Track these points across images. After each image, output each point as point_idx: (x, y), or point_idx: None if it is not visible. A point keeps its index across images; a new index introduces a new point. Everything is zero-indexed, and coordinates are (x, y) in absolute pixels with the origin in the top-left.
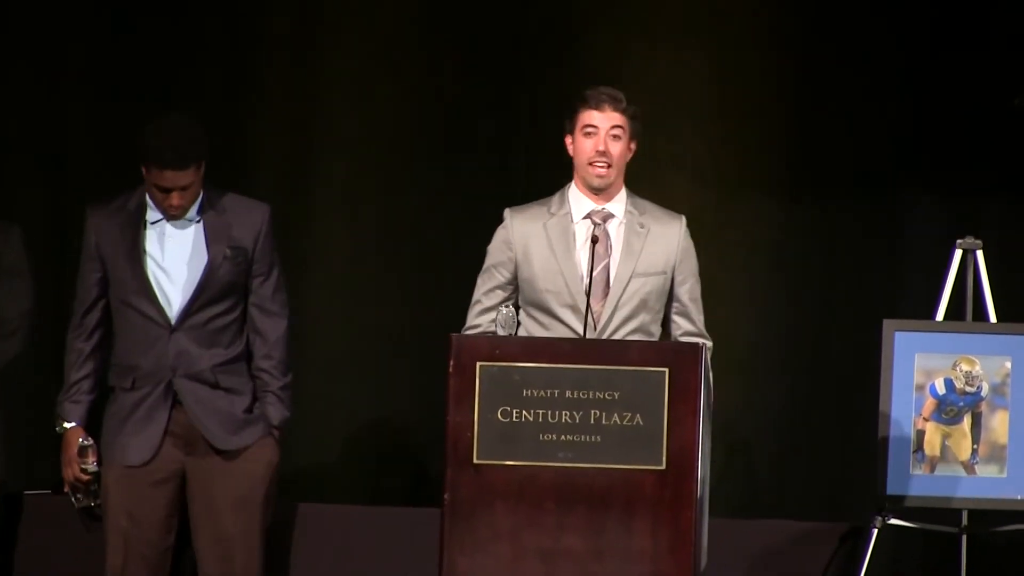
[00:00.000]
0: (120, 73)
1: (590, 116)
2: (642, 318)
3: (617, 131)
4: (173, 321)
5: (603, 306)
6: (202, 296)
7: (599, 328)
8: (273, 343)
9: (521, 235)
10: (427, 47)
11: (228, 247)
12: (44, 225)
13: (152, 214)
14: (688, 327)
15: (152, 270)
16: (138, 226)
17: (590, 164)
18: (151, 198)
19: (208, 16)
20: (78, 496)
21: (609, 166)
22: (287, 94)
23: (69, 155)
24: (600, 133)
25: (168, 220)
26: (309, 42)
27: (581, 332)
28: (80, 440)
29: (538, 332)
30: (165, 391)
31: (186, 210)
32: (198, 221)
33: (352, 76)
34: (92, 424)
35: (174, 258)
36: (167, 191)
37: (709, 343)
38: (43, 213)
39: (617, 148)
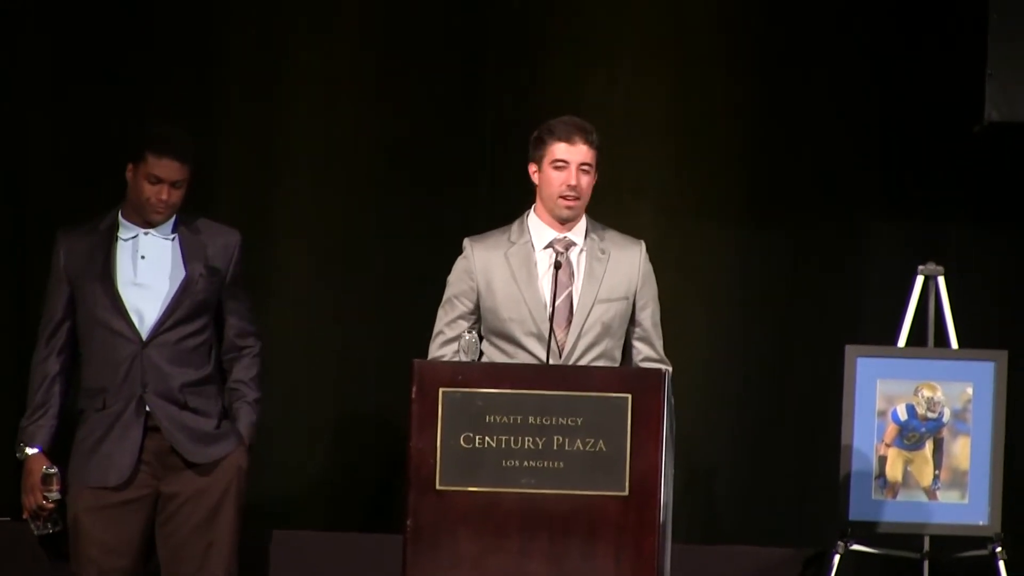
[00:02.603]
0: (83, 92)
1: (561, 150)
2: (605, 344)
3: (586, 166)
4: (145, 336)
5: (567, 333)
6: (176, 312)
7: (563, 355)
8: (248, 364)
9: (483, 264)
10: (388, 72)
11: (204, 266)
12: (3, 246)
13: (125, 231)
14: (648, 352)
15: (123, 286)
16: (110, 243)
17: (561, 197)
18: (136, 197)
19: (172, 39)
20: (39, 523)
21: (578, 199)
22: (249, 118)
23: (30, 175)
24: (571, 167)
25: (144, 229)
26: (271, 67)
27: (545, 360)
28: (44, 468)
29: (502, 361)
30: (137, 408)
31: (168, 213)
32: (173, 239)
33: (313, 101)
34: (55, 450)
35: (149, 273)
36: (159, 182)
37: (669, 369)
38: (2, 234)
39: (586, 181)
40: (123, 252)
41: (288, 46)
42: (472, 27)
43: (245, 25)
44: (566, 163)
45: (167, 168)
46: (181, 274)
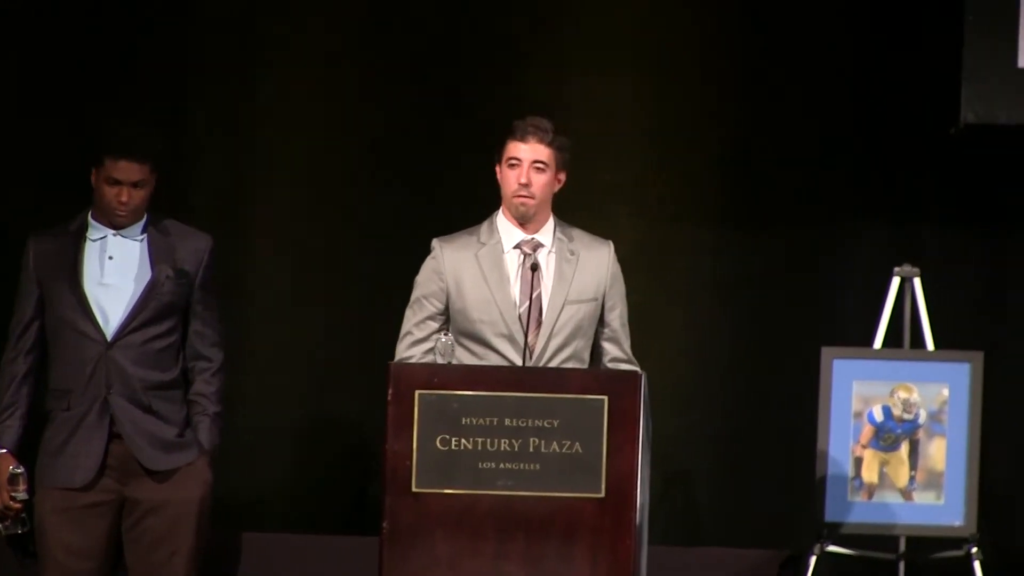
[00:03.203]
0: (52, 99)
1: (515, 148)
2: (576, 345)
3: (540, 164)
4: (110, 337)
5: (537, 335)
6: (142, 313)
7: (534, 357)
8: (213, 372)
9: (452, 265)
10: (363, 78)
11: (172, 268)
12: None
13: (94, 232)
14: (617, 353)
15: (90, 287)
16: (79, 244)
17: (514, 196)
18: (100, 201)
19: (144, 46)
20: (6, 523)
21: (531, 198)
22: (223, 125)
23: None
24: (523, 165)
25: (113, 230)
26: (249, 68)
27: (515, 361)
28: (11, 468)
29: (471, 362)
30: (101, 410)
31: (133, 215)
32: (142, 240)
33: (292, 103)
34: (22, 451)
35: (115, 274)
36: (118, 184)
37: (640, 371)
38: None
39: (541, 180)
40: (91, 253)
41: (266, 47)
42: (452, 30)
43: (223, 26)
44: (519, 161)
45: (124, 170)
46: (147, 275)
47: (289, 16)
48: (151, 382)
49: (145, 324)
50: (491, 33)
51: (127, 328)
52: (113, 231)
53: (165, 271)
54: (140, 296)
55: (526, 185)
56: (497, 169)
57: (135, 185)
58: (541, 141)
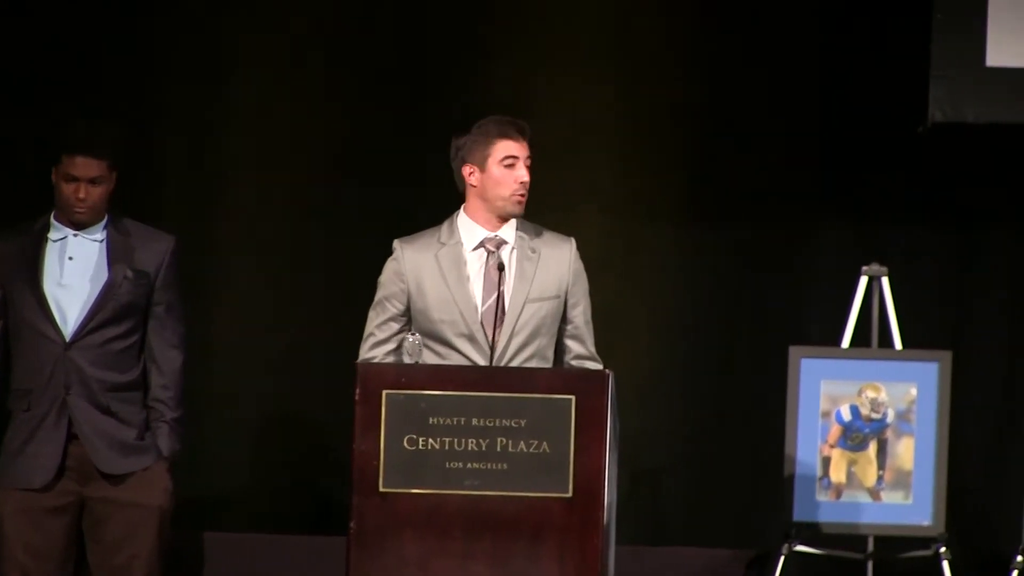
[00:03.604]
0: (15, 99)
1: (509, 147)
2: (538, 343)
3: (529, 160)
4: (68, 338)
5: (499, 333)
6: (99, 314)
7: (496, 356)
8: (171, 375)
9: (413, 266)
10: (329, 76)
11: (130, 268)
12: None
13: (55, 232)
14: (580, 350)
15: (50, 287)
16: (40, 244)
17: (513, 195)
18: (59, 199)
19: (110, 44)
20: None
21: (526, 194)
22: (190, 125)
23: None
24: (520, 162)
25: (74, 231)
26: (213, 68)
27: (477, 361)
28: None
29: (434, 362)
30: (60, 411)
31: (92, 213)
32: (101, 241)
33: (256, 104)
34: None
35: (74, 275)
36: (75, 181)
37: (604, 369)
38: None
39: (529, 177)
40: (51, 253)
41: (232, 47)
42: (418, 29)
43: (189, 26)
44: (516, 159)
45: (82, 166)
46: (105, 276)
47: (256, 16)
48: (110, 383)
49: (103, 325)
50: (457, 33)
51: (85, 329)
52: (74, 232)
53: (123, 272)
54: (97, 297)
55: (525, 183)
56: (467, 170)
57: (92, 182)
58: (527, 138)
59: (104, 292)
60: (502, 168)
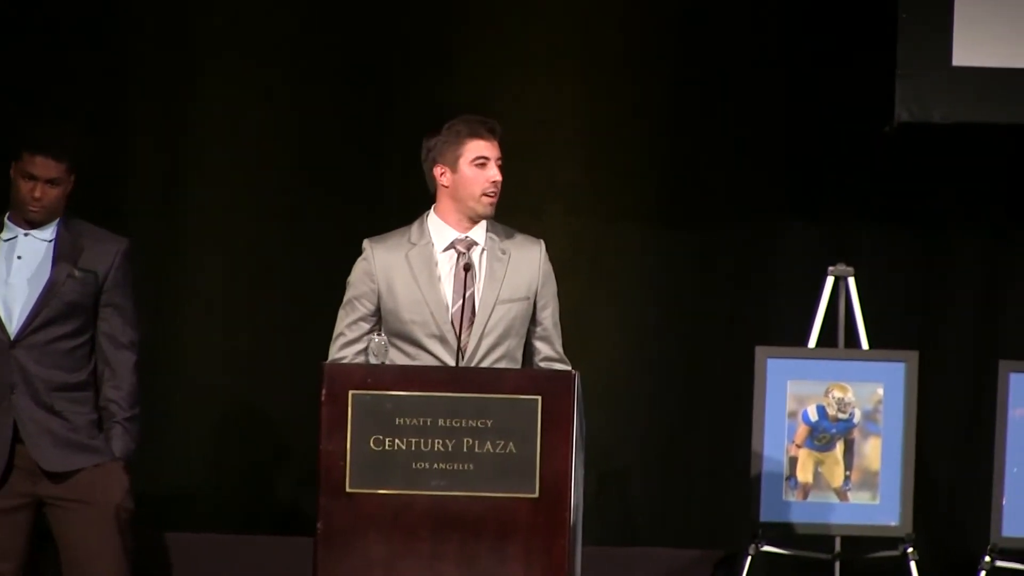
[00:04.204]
0: None
1: (480, 147)
2: (508, 344)
3: (500, 160)
4: (12, 336)
5: (469, 334)
6: (43, 312)
7: (466, 357)
8: (122, 375)
9: (383, 266)
10: (298, 77)
11: (77, 268)
12: None
13: (7, 232)
14: (548, 352)
15: None
16: None
17: (484, 195)
18: (15, 196)
19: (77, 44)
20: None
21: (497, 194)
22: (158, 124)
23: None
24: (492, 163)
25: (24, 230)
26: (180, 73)
27: (448, 362)
28: None
29: (404, 363)
30: (4, 411)
31: (47, 213)
32: (50, 240)
33: (223, 105)
34: None
35: (20, 273)
36: (33, 180)
37: (572, 370)
38: None
39: (501, 177)
40: (1, 253)
41: (198, 52)
42: (383, 33)
43: (155, 31)
44: (487, 159)
45: (42, 166)
46: (47, 275)
47: (221, 21)
48: (56, 383)
49: (48, 324)
50: (425, 34)
51: (29, 327)
52: (24, 231)
53: (66, 270)
54: (40, 295)
55: (496, 183)
56: (438, 171)
57: (50, 182)
58: (497, 138)
59: (47, 290)
60: (473, 168)
